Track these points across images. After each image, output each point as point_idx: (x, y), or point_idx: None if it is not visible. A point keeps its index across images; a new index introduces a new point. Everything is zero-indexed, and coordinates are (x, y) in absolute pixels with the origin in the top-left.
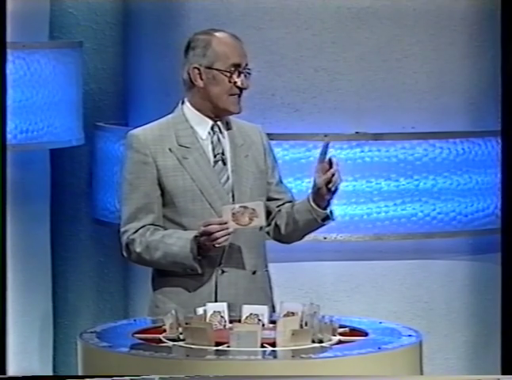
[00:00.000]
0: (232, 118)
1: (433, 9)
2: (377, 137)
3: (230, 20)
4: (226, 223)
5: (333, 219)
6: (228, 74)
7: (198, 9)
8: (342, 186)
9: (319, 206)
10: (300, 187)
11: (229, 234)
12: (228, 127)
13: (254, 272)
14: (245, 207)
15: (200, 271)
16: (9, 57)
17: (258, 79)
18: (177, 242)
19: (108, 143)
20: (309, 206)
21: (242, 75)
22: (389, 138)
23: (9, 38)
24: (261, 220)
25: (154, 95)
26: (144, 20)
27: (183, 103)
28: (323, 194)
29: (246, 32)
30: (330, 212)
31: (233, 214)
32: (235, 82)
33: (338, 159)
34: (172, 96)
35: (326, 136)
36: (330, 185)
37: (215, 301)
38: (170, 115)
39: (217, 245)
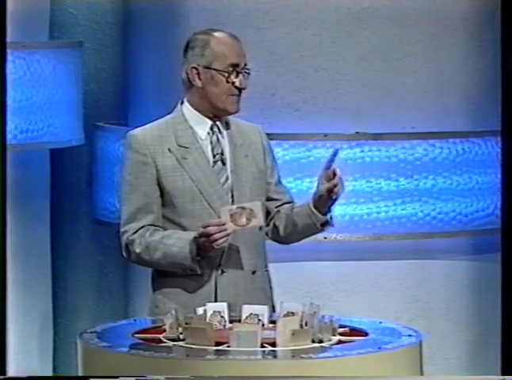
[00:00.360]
0: (232, 118)
1: (434, 8)
2: (377, 137)
3: (230, 20)
4: (224, 224)
5: (332, 225)
6: (226, 74)
7: (198, 9)
8: None
9: (319, 211)
10: (300, 187)
11: (228, 235)
12: (228, 127)
13: (253, 272)
14: (243, 208)
15: (199, 271)
16: (9, 57)
17: (258, 79)
18: (177, 243)
19: (108, 143)
20: (309, 210)
21: (241, 75)
22: (389, 138)
23: (9, 38)
24: (259, 220)
25: (154, 95)
26: (144, 20)
27: (182, 103)
28: (324, 201)
29: (246, 31)
30: (330, 218)
31: (231, 215)
32: (233, 82)
33: (338, 159)
34: (172, 96)
35: (326, 136)
36: (331, 194)
37: (215, 301)
38: (169, 116)
39: (216, 247)
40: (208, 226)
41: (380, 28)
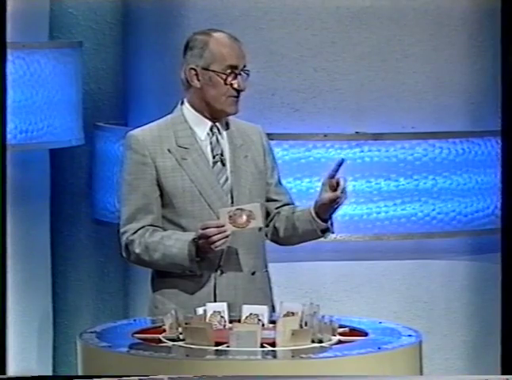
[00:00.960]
0: (232, 118)
1: (433, 8)
2: (377, 137)
3: (230, 20)
4: (223, 226)
5: (332, 232)
6: (224, 76)
7: (198, 9)
8: None
9: (320, 218)
10: (300, 187)
11: (227, 237)
12: (228, 127)
13: (253, 273)
14: (242, 209)
15: (198, 272)
16: (9, 57)
17: (258, 79)
18: (176, 244)
19: (108, 143)
20: (310, 216)
21: (240, 77)
22: (389, 138)
23: (9, 38)
24: (258, 222)
25: (154, 95)
26: (144, 20)
27: (182, 103)
28: (326, 209)
29: (246, 32)
30: (331, 224)
31: (230, 216)
32: (232, 84)
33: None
34: (172, 96)
35: (325, 136)
36: (333, 204)
37: (214, 302)
38: (169, 116)
39: (215, 249)
40: (207, 228)
41: (379, 28)
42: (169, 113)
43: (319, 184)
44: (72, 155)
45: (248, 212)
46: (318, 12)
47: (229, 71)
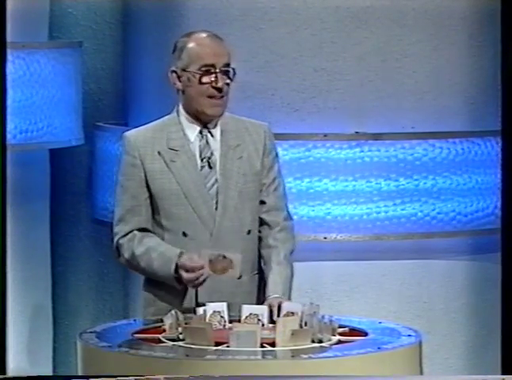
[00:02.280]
0: (237, 116)
1: (433, 8)
2: (377, 137)
3: (229, 20)
4: (203, 268)
5: None
6: (198, 76)
7: (198, 9)
8: (342, 186)
9: None
10: (300, 187)
11: (204, 280)
12: (223, 128)
13: (239, 277)
14: (224, 257)
15: (179, 287)
16: (9, 57)
17: (258, 79)
18: (159, 258)
19: (107, 143)
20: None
21: (220, 75)
22: (389, 138)
23: (9, 38)
24: (235, 272)
25: (154, 95)
26: (144, 20)
27: (179, 105)
28: None
29: (246, 31)
30: None
31: (210, 260)
32: (210, 83)
33: (338, 158)
34: (172, 97)
35: (325, 136)
36: None
37: (197, 304)
38: (165, 117)
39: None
40: (187, 271)
41: (379, 28)
42: (168, 113)
43: (320, 184)
44: (72, 155)
45: (229, 261)
46: (317, 12)
47: (204, 69)
